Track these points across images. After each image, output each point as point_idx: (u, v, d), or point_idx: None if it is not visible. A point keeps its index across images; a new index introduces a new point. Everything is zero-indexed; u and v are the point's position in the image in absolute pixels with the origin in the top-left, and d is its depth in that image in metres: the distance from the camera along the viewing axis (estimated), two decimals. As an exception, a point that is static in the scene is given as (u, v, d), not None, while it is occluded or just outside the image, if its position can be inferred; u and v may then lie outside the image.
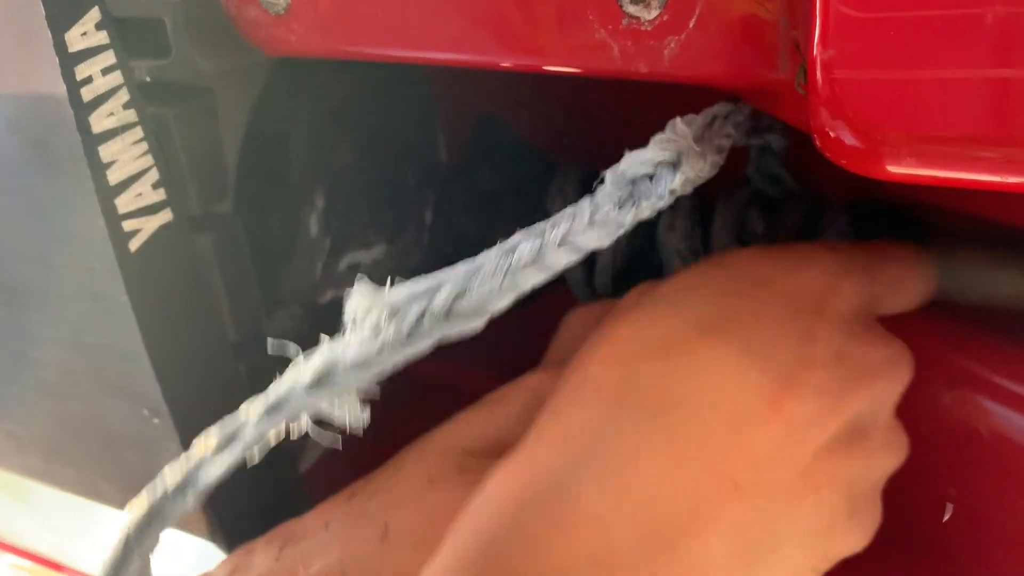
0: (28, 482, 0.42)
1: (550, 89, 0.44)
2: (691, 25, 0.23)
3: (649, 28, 0.23)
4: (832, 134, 0.21)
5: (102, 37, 0.26)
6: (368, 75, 0.39)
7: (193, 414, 0.31)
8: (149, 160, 0.28)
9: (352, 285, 0.39)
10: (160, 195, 0.29)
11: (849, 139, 0.21)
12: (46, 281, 0.33)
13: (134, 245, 0.29)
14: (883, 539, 0.32)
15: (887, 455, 0.28)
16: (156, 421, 0.34)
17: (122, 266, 0.28)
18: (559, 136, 0.45)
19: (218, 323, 0.32)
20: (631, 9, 0.23)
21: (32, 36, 0.28)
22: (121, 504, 0.40)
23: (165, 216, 0.29)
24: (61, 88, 0.28)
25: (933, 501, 0.36)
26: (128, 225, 0.28)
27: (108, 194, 0.28)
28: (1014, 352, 0.33)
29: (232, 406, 0.30)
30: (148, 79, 0.28)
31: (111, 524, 0.47)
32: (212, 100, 0.30)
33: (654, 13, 0.23)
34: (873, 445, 0.27)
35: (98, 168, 0.28)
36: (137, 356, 0.32)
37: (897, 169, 0.21)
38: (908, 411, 0.29)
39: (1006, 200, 0.30)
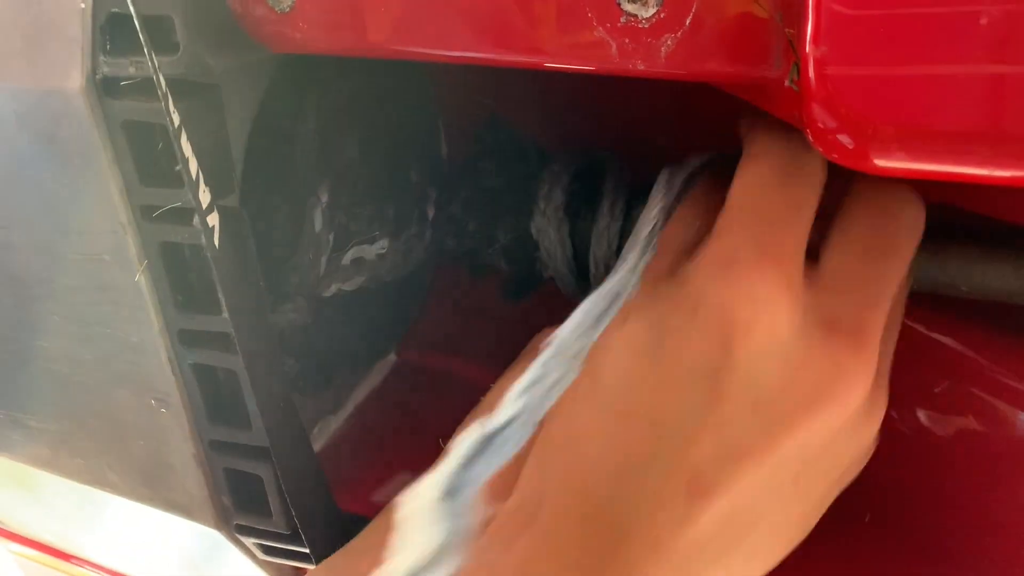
0: (35, 471, 0.43)
1: (550, 86, 0.45)
2: (687, 23, 0.24)
3: (646, 26, 0.24)
4: (824, 129, 0.21)
5: (130, 32, 0.27)
6: (372, 72, 0.39)
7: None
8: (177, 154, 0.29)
9: (355, 278, 0.39)
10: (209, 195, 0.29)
11: (841, 135, 0.21)
12: (54, 272, 0.34)
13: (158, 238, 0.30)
14: (880, 532, 0.32)
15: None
16: (163, 411, 0.34)
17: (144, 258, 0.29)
18: (560, 132, 0.45)
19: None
20: (629, 7, 0.24)
21: (45, 31, 0.28)
22: (127, 493, 0.40)
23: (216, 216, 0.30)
24: (75, 82, 0.28)
25: (926, 494, 0.36)
26: (209, 220, 0.29)
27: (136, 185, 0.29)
28: (1005, 345, 0.34)
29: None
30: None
31: (117, 513, 0.47)
32: (219, 96, 0.30)
33: (651, 11, 0.24)
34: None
35: (125, 159, 0.28)
36: (145, 346, 0.33)
37: (888, 163, 0.21)
38: (901, 404, 0.29)
39: (996, 194, 0.31)
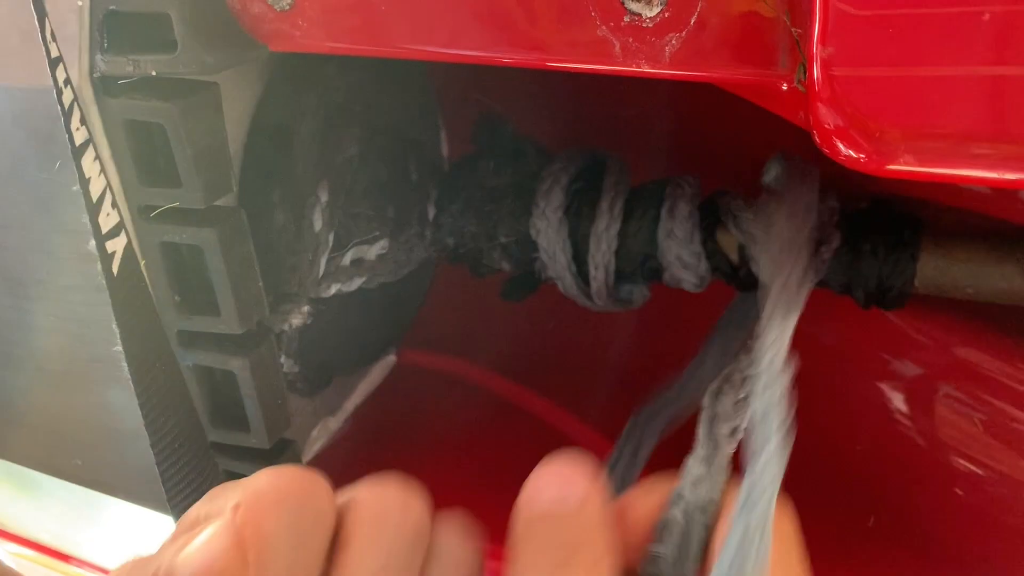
0: (32, 472, 0.43)
1: (553, 85, 0.44)
2: (692, 22, 0.23)
3: (650, 25, 0.24)
4: (830, 131, 0.21)
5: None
6: (371, 70, 0.39)
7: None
8: (103, 181, 0.28)
9: (355, 279, 0.39)
10: (115, 217, 0.28)
11: (847, 136, 0.21)
12: (50, 272, 0.34)
13: (115, 268, 0.28)
14: (885, 534, 0.32)
15: None
16: (160, 412, 0.34)
17: (110, 289, 0.28)
18: (561, 132, 0.45)
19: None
20: (633, 6, 0.23)
21: (35, 30, 0.28)
22: (124, 494, 0.40)
23: (123, 239, 0.29)
24: (72, 80, 0.28)
25: (930, 495, 0.36)
26: (109, 246, 0.28)
27: (93, 211, 0.28)
28: (1009, 346, 0.34)
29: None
30: (154, 73, 0.28)
31: (114, 514, 0.47)
32: (217, 94, 0.30)
33: (655, 10, 0.23)
34: None
35: (83, 183, 0.27)
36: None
37: (895, 166, 0.21)
38: (907, 404, 0.29)
39: (1002, 196, 0.31)
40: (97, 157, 0.28)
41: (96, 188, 0.28)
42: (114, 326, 0.28)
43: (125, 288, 0.29)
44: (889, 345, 0.38)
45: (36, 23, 0.27)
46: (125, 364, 0.29)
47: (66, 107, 0.26)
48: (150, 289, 0.31)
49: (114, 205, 0.28)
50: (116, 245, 0.28)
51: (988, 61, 0.19)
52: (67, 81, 0.27)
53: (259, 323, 0.33)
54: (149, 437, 0.29)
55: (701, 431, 0.25)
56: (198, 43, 0.28)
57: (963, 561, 0.36)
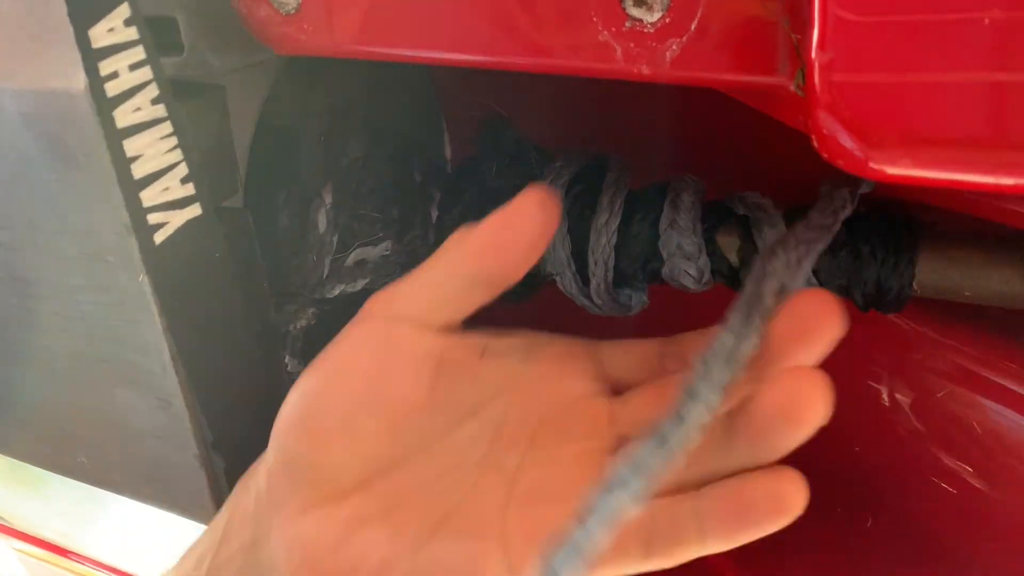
0: (38, 470, 0.43)
1: (555, 89, 0.45)
2: (693, 27, 0.24)
3: (651, 30, 0.24)
4: (829, 135, 0.21)
5: (131, 33, 0.27)
6: (376, 73, 0.39)
7: (216, 406, 0.32)
8: (178, 155, 0.28)
9: (359, 280, 0.39)
10: (189, 190, 0.29)
11: (846, 141, 0.21)
12: (58, 272, 0.34)
13: (159, 238, 0.29)
14: (881, 535, 0.32)
15: None
16: (165, 411, 0.34)
17: (145, 259, 0.29)
18: (563, 135, 0.45)
19: (237, 315, 0.32)
20: (634, 11, 0.24)
21: (49, 32, 0.28)
22: (129, 492, 0.40)
23: (193, 211, 0.29)
24: (78, 83, 0.28)
25: (928, 496, 0.36)
26: (153, 218, 0.29)
27: (132, 188, 0.28)
28: (1007, 349, 0.34)
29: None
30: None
31: (119, 512, 0.47)
32: (223, 97, 0.30)
33: (656, 15, 0.24)
34: None
35: (122, 162, 0.28)
36: (148, 347, 0.33)
37: (893, 171, 0.21)
38: (905, 406, 0.29)
39: (1000, 200, 0.31)
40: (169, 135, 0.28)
41: (149, 166, 0.28)
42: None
43: (169, 259, 0.29)
44: (887, 347, 0.38)
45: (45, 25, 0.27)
46: (133, 363, 0.30)
47: (111, 95, 0.27)
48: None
49: (184, 181, 0.29)
50: (168, 218, 0.29)
51: (986, 67, 0.19)
52: (135, 65, 0.27)
53: (264, 323, 0.34)
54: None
55: (748, 287, 0.25)
56: (204, 46, 0.28)
57: (961, 562, 0.36)
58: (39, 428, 0.40)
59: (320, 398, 0.28)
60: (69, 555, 0.55)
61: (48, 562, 0.56)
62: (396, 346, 0.28)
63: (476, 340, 0.31)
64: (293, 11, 0.28)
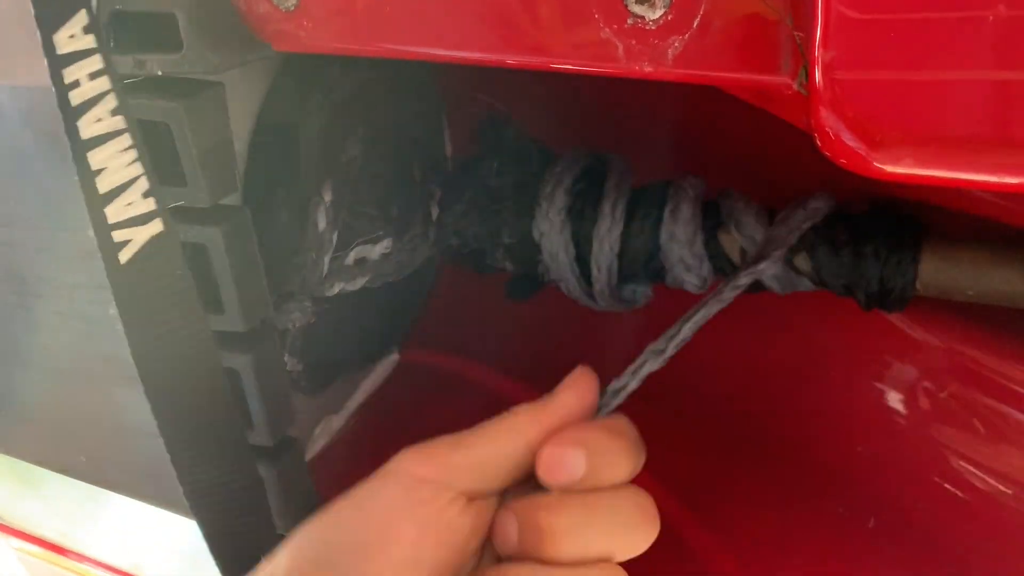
0: (37, 468, 0.43)
1: (556, 86, 0.44)
2: (695, 25, 0.23)
3: (653, 27, 0.24)
4: (832, 134, 0.21)
5: (89, 41, 0.26)
6: (376, 71, 0.39)
7: (181, 435, 0.31)
8: (139, 168, 0.27)
9: (359, 278, 0.39)
10: (150, 205, 0.28)
11: (849, 139, 0.21)
12: (56, 270, 0.34)
13: (124, 256, 0.28)
14: (885, 535, 0.32)
15: None
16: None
17: (111, 277, 0.28)
18: (564, 132, 0.45)
19: (205, 332, 0.31)
20: (636, 8, 0.24)
21: (33, 32, 0.28)
22: (128, 491, 0.40)
23: (155, 227, 0.28)
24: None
25: (929, 496, 0.36)
26: (118, 236, 0.28)
27: (98, 203, 0.27)
28: (1011, 349, 0.34)
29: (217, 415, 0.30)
30: (159, 72, 0.29)
31: (118, 510, 0.47)
32: (222, 94, 0.30)
33: (658, 13, 0.23)
34: None
35: (87, 175, 0.27)
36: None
37: (896, 169, 0.21)
38: (907, 406, 0.29)
39: (1002, 199, 0.31)
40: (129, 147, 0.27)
41: (113, 180, 0.27)
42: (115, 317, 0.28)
43: (134, 279, 0.28)
44: (890, 346, 0.38)
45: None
46: (132, 362, 0.29)
47: (74, 104, 0.26)
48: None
49: (146, 195, 0.28)
50: (132, 235, 0.28)
51: (990, 65, 0.19)
52: (94, 74, 0.26)
53: (263, 321, 0.34)
54: (160, 432, 0.29)
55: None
56: (203, 43, 0.28)
57: (963, 562, 0.36)
58: (38, 426, 0.40)
59: (365, 562, 0.27)
60: (68, 554, 0.55)
61: (47, 561, 0.56)
62: (440, 517, 0.28)
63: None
64: (292, 8, 0.27)
